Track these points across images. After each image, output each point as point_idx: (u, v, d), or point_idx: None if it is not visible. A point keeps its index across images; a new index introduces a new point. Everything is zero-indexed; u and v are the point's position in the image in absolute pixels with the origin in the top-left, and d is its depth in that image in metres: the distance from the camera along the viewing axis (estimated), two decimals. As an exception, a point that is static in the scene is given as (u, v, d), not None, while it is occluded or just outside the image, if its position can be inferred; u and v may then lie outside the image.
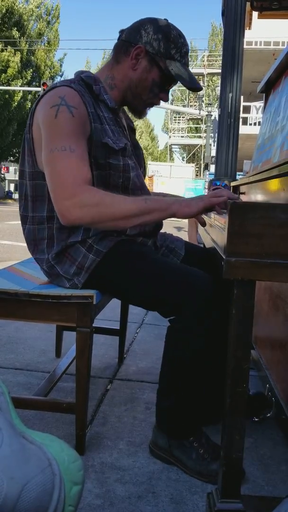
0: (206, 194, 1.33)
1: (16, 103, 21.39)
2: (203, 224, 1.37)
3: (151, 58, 1.33)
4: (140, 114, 1.44)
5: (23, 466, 0.73)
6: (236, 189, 2.26)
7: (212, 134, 19.27)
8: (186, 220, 10.63)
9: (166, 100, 1.43)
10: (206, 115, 21.95)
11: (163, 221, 1.37)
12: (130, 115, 1.51)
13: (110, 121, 1.34)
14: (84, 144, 1.24)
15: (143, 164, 1.53)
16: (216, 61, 25.32)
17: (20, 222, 1.43)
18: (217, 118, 4.69)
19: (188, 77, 1.34)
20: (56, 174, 1.19)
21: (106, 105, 1.34)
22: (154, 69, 1.34)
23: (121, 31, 1.39)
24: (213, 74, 25.55)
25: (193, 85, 1.35)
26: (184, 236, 5.48)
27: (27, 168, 1.34)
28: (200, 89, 1.41)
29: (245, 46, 4.60)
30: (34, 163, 1.31)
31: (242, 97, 4.47)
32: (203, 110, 24.82)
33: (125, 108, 1.49)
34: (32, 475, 0.73)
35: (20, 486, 0.70)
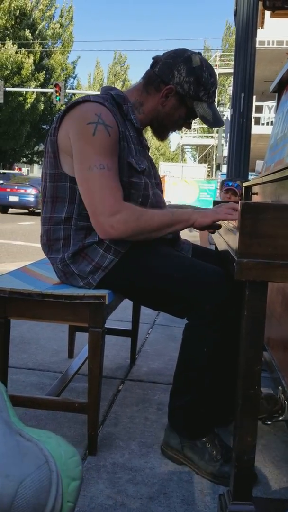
0: (221, 206, 1.36)
1: (29, 105, 21.53)
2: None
3: (180, 97, 1.39)
4: (163, 138, 1.53)
5: (19, 463, 0.73)
6: (248, 189, 2.24)
7: (224, 134, 19.16)
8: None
9: (188, 128, 1.53)
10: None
11: None
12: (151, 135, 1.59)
13: (134, 140, 1.39)
14: (117, 162, 1.30)
15: (159, 177, 1.57)
16: (229, 61, 25.19)
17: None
18: (229, 118, 4.67)
19: (212, 118, 1.40)
20: (97, 191, 1.24)
21: (132, 124, 1.39)
22: (182, 108, 1.42)
23: (155, 59, 1.42)
24: (225, 74, 25.42)
25: (216, 125, 1.42)
26: (196, 236, 5.46)
27: (48, 169, 1.37)
28: (223, 124, 1.48)
29: (257, 46, 4.57)
30: (57, 164, 1.34)
31: (254, 96, 4.45)
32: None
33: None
34: (28, 472, 0.73)
35: (16, 484, 0.70)
